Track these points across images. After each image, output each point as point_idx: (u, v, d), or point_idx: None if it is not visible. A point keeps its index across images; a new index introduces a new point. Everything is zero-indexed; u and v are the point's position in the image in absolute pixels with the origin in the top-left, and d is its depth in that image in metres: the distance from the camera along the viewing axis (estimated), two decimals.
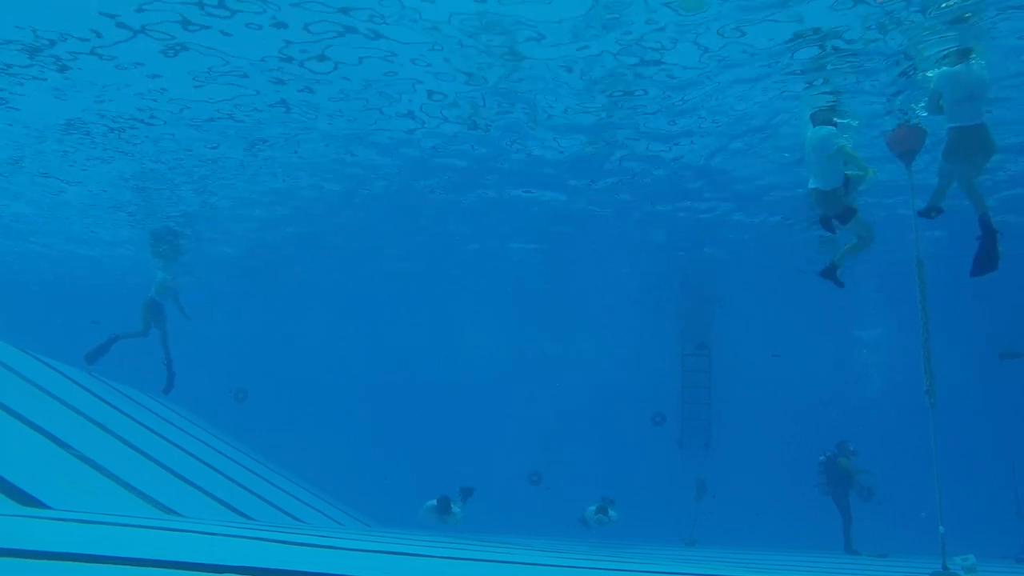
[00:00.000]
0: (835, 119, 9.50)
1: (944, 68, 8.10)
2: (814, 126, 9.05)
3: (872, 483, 17.04)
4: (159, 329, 15.06)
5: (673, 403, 24.19)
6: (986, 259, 7.57)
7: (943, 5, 7.62)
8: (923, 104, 8.82)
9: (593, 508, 15.04)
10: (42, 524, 4.93)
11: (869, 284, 18.93)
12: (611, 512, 15.00)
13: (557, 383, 25.42)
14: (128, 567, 3.57)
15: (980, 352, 20.89)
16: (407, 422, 24.44)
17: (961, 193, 8.03)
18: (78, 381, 12.18)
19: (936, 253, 15.87)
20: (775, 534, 16.93)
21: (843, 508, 15.55)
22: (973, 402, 20.07)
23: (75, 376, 12.38)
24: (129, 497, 7.26)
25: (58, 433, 8.11)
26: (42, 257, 21.52)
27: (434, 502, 13.23)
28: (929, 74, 8.47)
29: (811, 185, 8.60)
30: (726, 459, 21.73)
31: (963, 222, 14.78)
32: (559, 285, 21.28)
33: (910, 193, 8.58)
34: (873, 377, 24.24)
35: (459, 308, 24.12)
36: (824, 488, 15.66)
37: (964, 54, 8.11)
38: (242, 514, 9.07)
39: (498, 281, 20.88)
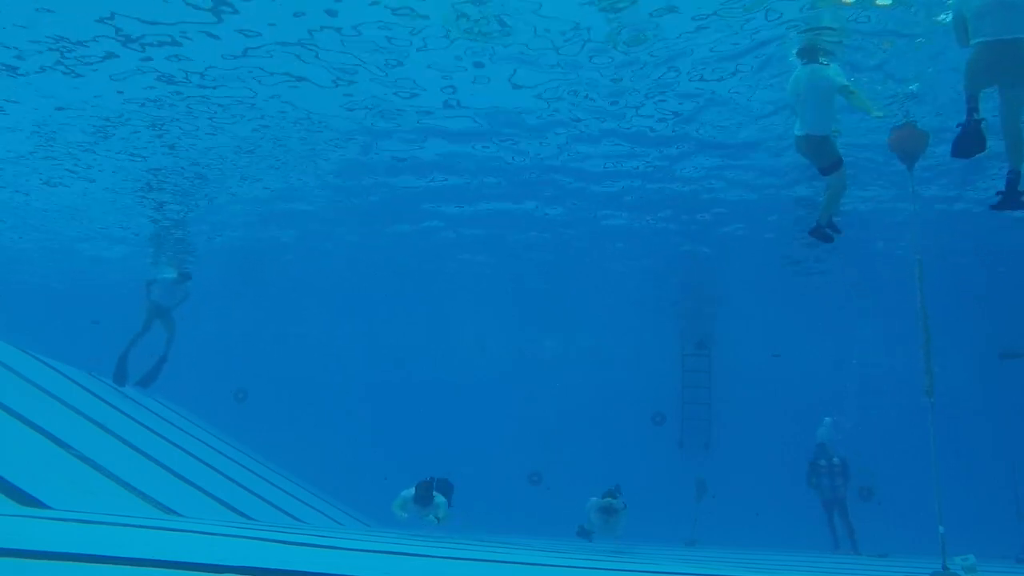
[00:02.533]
0: (822, 59, 8.37)
1: None
2: (804, 63, 8.07)
3: (872, 483, 17.14)
4: (147, 325, 14.94)
5: (673, 403, 24.18)
6: (969, 138, 6.46)
7: None
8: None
9: (596, 499, 11.77)
10: (42, 524, 4.93)
11: (868, 283, 18.96)
12: (620, 500, 11.77)
13: (557, 383, 25.40)
14: (128, 567, 3.57)
15: (980, 352, 20.88)
16: (407, 422, 24.41)
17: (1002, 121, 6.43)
18: (78, 381, 12.19)
19: (935, 253, 15.93)
20: (775, 534, 16.92)
21: (847, 507, 15.69)
22: (973, 402, 20.06)
23: (75, 376, 12.39)
24: (129, 497, 7.27)
25: (58, 433, 8.11)
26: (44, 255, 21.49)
27: (412, 490, 10.39)
28: None
29: (798, 132, 7.70)
30: (726, 459, 21.71)
31: (960, 223, 14.88)
32: (559, 284, 21.29)
33: (912, 196, 8.54)
34: (872, 376, 24.22)
35: (458, 308, 24.12)
36: (840, 489, 15.76)
37: None
38: (242, 514, 9.07)
39: (498, 280, 20.89)
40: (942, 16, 7.98)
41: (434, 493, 10.34)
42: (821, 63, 8.11)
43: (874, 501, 20.05)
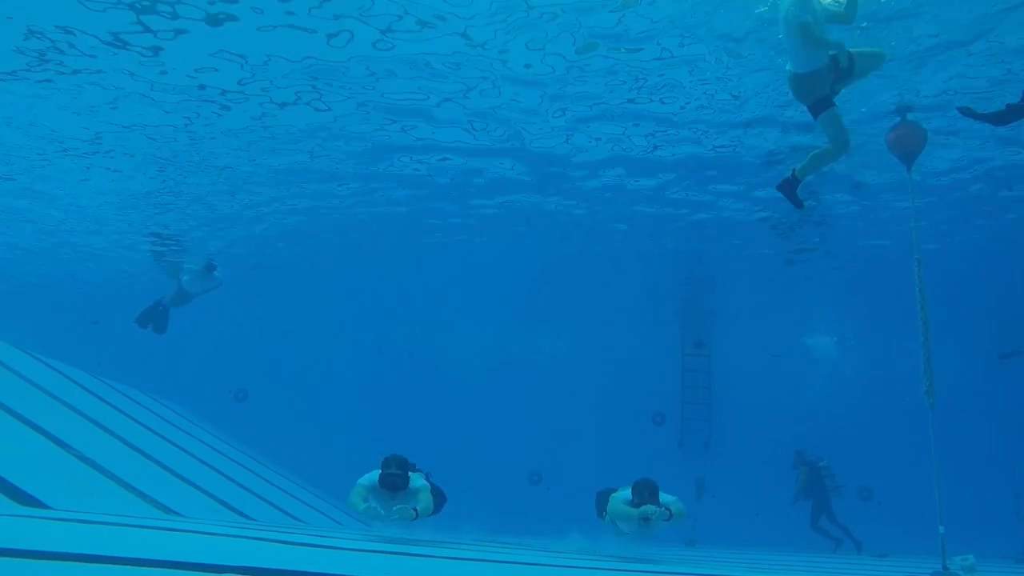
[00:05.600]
0: None
1: None
2: None
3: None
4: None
5: (673, 403, 24.20)
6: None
7: None
8: None
9: (623, 497, 7.75)
10: (42, 524, 4.93)
11: (868, 283, 18.97)
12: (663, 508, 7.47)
13: (557, 383, 25.42)
14: (128, 567, 3.57)
15: (980, 352, 20.91)
16: (407, 422, 24.44)
17: None
18: (78, 381, 12.20)
19: (935, 253, 15.93)
20: (775, 534, 16.94)
21: (833, 508, 15.73)
22: (973, 402, 20.09)
23: (75, 376, 12.39)
24: (129, 497, 7.27)
25: (58, 433, 8.12)
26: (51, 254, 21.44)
27: (375, 475, 7.05)
28: None
29: (787, 68, 6.74)
30: (726, 459, 21.72)
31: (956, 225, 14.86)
32: (559, 284, 21.29)
33: (910, 196, 8.48)
34: (872, 376, 24.24)
35: (459, 308, 24.13)
36: (838, 491, 15.77)
37: None
38: (242, 514, 9.08)
39: (498, 280, 20.89)
40: None
41: (411, 475, 7.12)
42: None
43: (874, 501, 20.05)
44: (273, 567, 4.16)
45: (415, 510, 6.79)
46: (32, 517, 5.19)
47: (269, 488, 12.37)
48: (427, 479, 7.71)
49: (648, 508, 7.27)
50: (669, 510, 7.43)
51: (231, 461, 13.04)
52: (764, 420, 22.16)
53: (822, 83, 6.51)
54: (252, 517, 9.14)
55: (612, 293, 21.51)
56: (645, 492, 7.41)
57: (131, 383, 14.72)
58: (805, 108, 6.89)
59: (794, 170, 7.15)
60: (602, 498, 8.55)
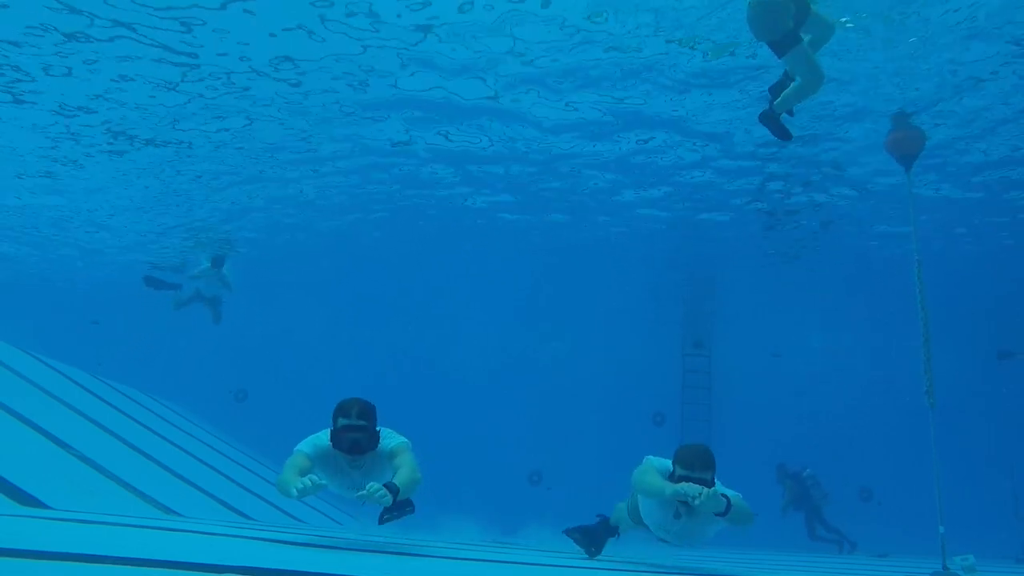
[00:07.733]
0: None
1: None
2: None
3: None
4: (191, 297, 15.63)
5: (673, 403, 24.19)
6: None
7: None
8: None
9: (654, 469, 5.50)
10: (42, 524, 4.93)
11: (867, 284, 18.96)
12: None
13: (558, 383, 25.42)
14: (128, 567, 3.57)
15: (980, 352, 20.92)
16: (407, 422, 24.46)
17: None
18: (78, 381, 12.19)
19: (935, 253, 15.93)
20: (775, 534, 16.92)
21: (824, 513, 15.73)
22: (973, 402, 20.09)
23: (75, 376, 12.39)
24: (129, 497, 7.27)
25: (58, 433, 8.11)
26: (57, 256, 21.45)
27: (325, 436, 5.13)
28: None
29: None
30: (726, 459, 21.66)
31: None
32: (560, 284, 21.29)
33: (909, 199, 8.49)
34: (872, 377, 24.24)
35: (460, 308, 24.13)
36: (827, 499, 15.76)
37: None
38: (242, 514, 9.08)
39: (499, 281, 20.89)
40: None
41: (381, 430, 5.09)
42: None
43: (874, 501, 20.05)
44: (273, 567, 4.16)
45: (391, 489, 4.29)
46: (32, 517, 5.18)
47: (269, 488, 12.35)
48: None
49: (694, 487, 4.56)
50: (727, 499, 4.87)
51: (231, 461, 13.03)
52: (764, 420, 22.16)
53: (784, 11, 5.69)
54: (252, 517, 9.14)
55: (613, 293, 21.51)
56: (696, 463, 4.79)
57: (131, 383, 14.72)
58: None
59: (772, 103, 6.58)
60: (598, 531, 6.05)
